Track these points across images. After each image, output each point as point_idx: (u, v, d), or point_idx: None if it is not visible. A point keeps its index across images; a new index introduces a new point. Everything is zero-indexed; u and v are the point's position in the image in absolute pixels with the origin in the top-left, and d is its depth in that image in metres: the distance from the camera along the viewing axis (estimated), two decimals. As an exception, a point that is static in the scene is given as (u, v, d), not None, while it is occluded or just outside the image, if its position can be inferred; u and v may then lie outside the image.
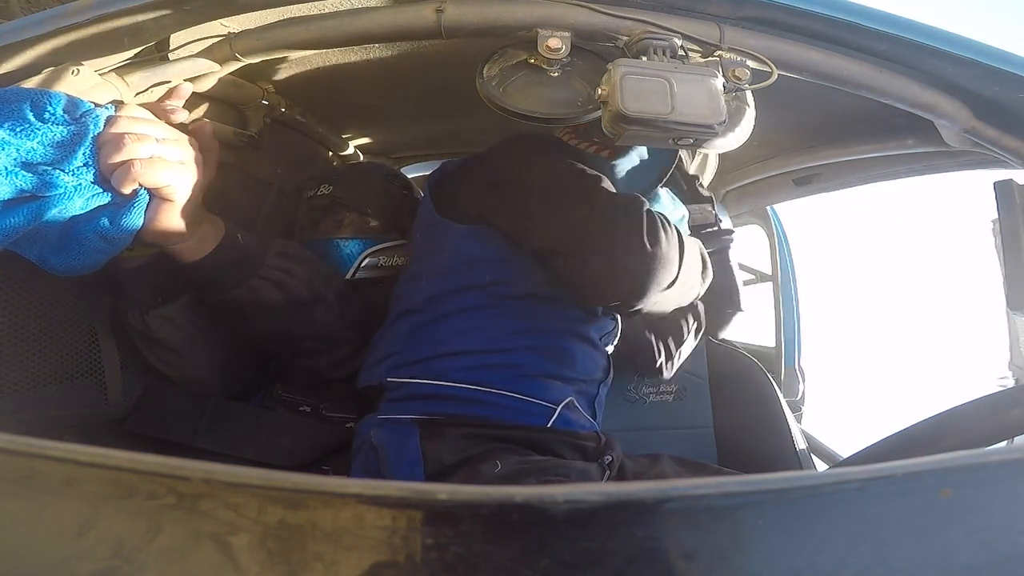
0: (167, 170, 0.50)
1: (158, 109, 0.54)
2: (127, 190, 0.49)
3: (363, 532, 0.21)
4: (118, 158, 0.48)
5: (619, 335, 0.86)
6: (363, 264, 0.91)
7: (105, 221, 0.50)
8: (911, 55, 0.57)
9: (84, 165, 0.47)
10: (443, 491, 0.21)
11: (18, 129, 0.45)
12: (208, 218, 0.60)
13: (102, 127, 0.48)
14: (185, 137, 0.54)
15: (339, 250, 0.91)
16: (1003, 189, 0.83)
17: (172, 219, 0.54)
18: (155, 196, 0.52)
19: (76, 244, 0.50)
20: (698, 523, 0.22)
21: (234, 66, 0.64)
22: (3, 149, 0.44)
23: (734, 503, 0.23)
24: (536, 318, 0.72)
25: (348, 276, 0.90)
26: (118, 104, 0.51)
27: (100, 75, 0.55)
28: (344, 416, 0.81)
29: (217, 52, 0.62)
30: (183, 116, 0.54)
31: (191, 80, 0.65)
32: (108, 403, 0.67)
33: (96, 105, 0.49)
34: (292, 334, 0.72)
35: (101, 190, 0.49)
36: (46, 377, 0.60)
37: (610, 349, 0.85)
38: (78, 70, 0.53)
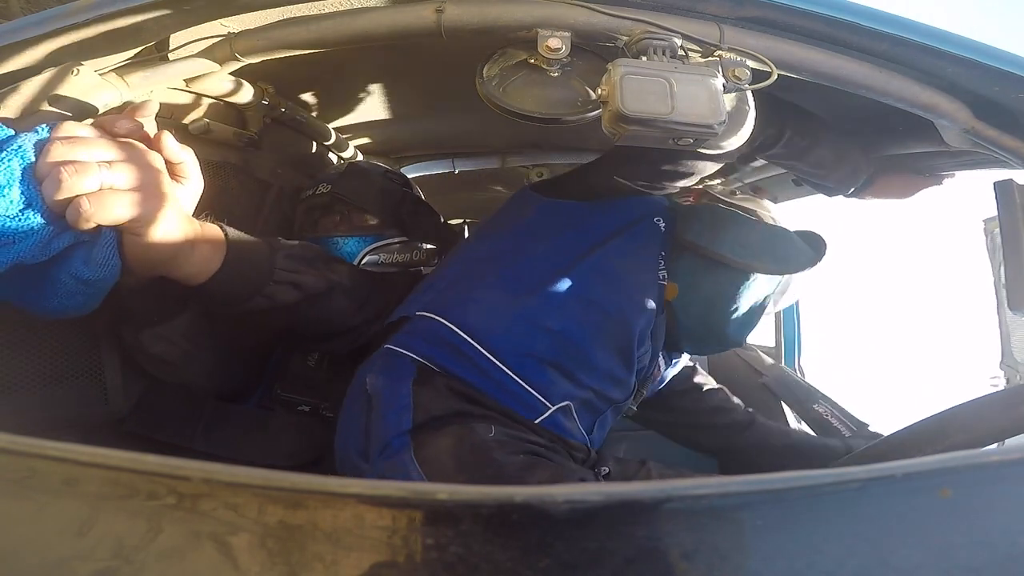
0: (121, 202, 0.42)
1: (107, 123, 0.44)
2: (85, 228, 0.41)
3: (363, 532, 0.21)
4: (60, 196, 0.39)
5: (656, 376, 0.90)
6: (363, 262, 0.91)
7: (78, 263, 0.42)
8: (911, 55, 0.57)
9: (28, 207, 0.39)
10: (443, 491, 0.21)
11: None
12: (205, 235, 0.52)
13: (32, 157, 0.39)
14: (144, 154, 0.45)
15: (338, 248, 0.91)
16: (1003, 189, 0.83)
17: (154, 251, 0.46)
18: (123, 231, 0.44)
19: (53, 289, 0.43)
20: (698, 523, 0.22)
21: (234, 66, 0.64)
22: None
23: (734, 503, 0.23)
24: (579, 310, 0.74)
25: None
26: (55, 124, 0.42)
27: (100, 75, 0.55)
28: None
29: (217, 52, 0.62)
30: (131, 127, 0.45)
31: (191, 80, 0.65)
32: (108, 403, 0.67)
33: (18, 131, 0.40)
34: (311, 325, 0.70)
35: (61, 230, 0.41)
36: (46, 377, 0.60)
37: (664, 375, 0.88)
38: (78, 70, 0.53)
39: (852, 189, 0.84)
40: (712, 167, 0.83)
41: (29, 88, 0.50)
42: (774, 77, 0.56)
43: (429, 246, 1.00)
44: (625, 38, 0.56)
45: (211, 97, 0.75)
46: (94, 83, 0.54)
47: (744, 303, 0.82)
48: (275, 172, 0.99)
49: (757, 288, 0.82)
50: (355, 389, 0.70)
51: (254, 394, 0.82)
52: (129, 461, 0.22)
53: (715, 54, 0.56)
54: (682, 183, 0.81)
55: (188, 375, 0.70)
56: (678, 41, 0.55)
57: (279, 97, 0.88)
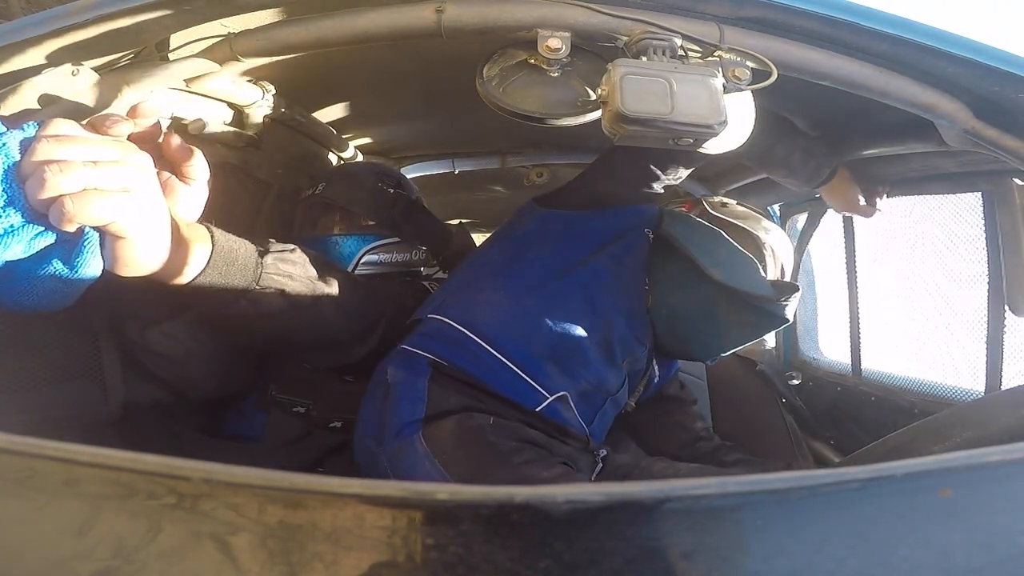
0: (104, 202, 0.40)
1: (99, 122, 0.43)
2: (68, 229, 0.40)
3: (363, 532, 0.21)
4: (42, 195, 0.39)
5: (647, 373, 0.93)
6: (362, 260, 0.91)
7: (57, 263, 0.42)
8: (911, 55, 0.57)
9: (8, 204, 0.39)
10: (443, 491, 0.21)
11: None
12: (191, 237, 0.50)
13: (16, 155, 0.39)
14: (133, 155, 0.43)
15: (337, 247, 0.91)
16: (1003, 189, 0.83)
17: (136, 253, 0.44)
18: (105, 232, 0.42)
19: (31, 288, 0.42)
20: (698, 523, 0.22)
21: (234, 66, 0.64)
22: None
23: (734, 503, 0.23)
24: (573, 310, 0.79)
25: None
26: (43, 122, 0.41)
27: (100, 75, 0.55)
28: (333, 419, 0.81)
29: (217, 52, 0.62)
30: (126, 128, 0.44)
31: (191, 80, 0.65)
32: (108, 403, 0.67)
33: (8, 128, 0.40)
34: (298, 335, 0.70)
35: (41, 229, 0.40)
36: (46, 377, 0.60)
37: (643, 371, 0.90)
38: (78, 70, 0.53)
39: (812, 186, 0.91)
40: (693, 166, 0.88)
41: (29, 88, 0.50)
42: (774, 77, 0.56)
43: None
44: (625, 38, 0.56)
45: (211, 97, 0.75)
46: (94, 83, 0.54)
47: (704, 320, 0.86)
48: (275, 172, 0.99)
49: (718, 308, 0.85)
50: (376, 380, 0.76)
51: (252, 394, 0.82)
52: (129, 461, 0.22)
53: (715, 54, 0.56)
54: (668, 181, 0.87)
55: (189, 373, 0.71)
56: (678, 41, 0.55)
57: (279, 97, 0.88)
